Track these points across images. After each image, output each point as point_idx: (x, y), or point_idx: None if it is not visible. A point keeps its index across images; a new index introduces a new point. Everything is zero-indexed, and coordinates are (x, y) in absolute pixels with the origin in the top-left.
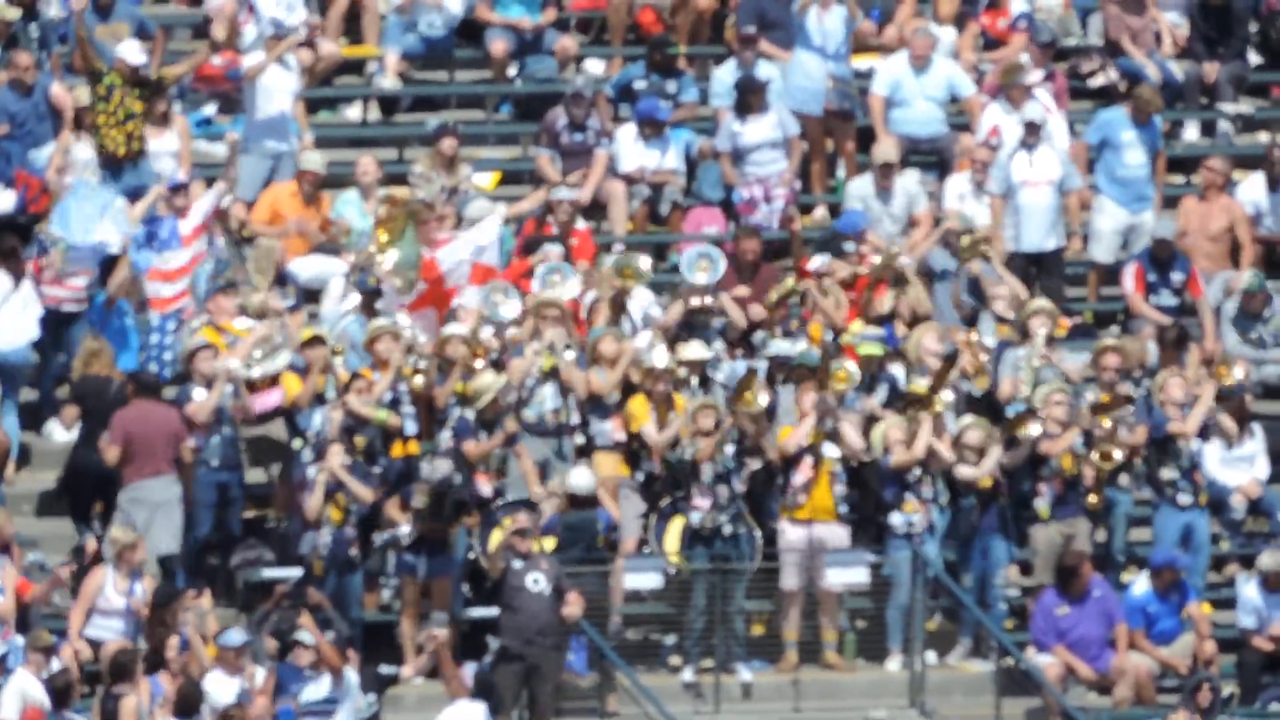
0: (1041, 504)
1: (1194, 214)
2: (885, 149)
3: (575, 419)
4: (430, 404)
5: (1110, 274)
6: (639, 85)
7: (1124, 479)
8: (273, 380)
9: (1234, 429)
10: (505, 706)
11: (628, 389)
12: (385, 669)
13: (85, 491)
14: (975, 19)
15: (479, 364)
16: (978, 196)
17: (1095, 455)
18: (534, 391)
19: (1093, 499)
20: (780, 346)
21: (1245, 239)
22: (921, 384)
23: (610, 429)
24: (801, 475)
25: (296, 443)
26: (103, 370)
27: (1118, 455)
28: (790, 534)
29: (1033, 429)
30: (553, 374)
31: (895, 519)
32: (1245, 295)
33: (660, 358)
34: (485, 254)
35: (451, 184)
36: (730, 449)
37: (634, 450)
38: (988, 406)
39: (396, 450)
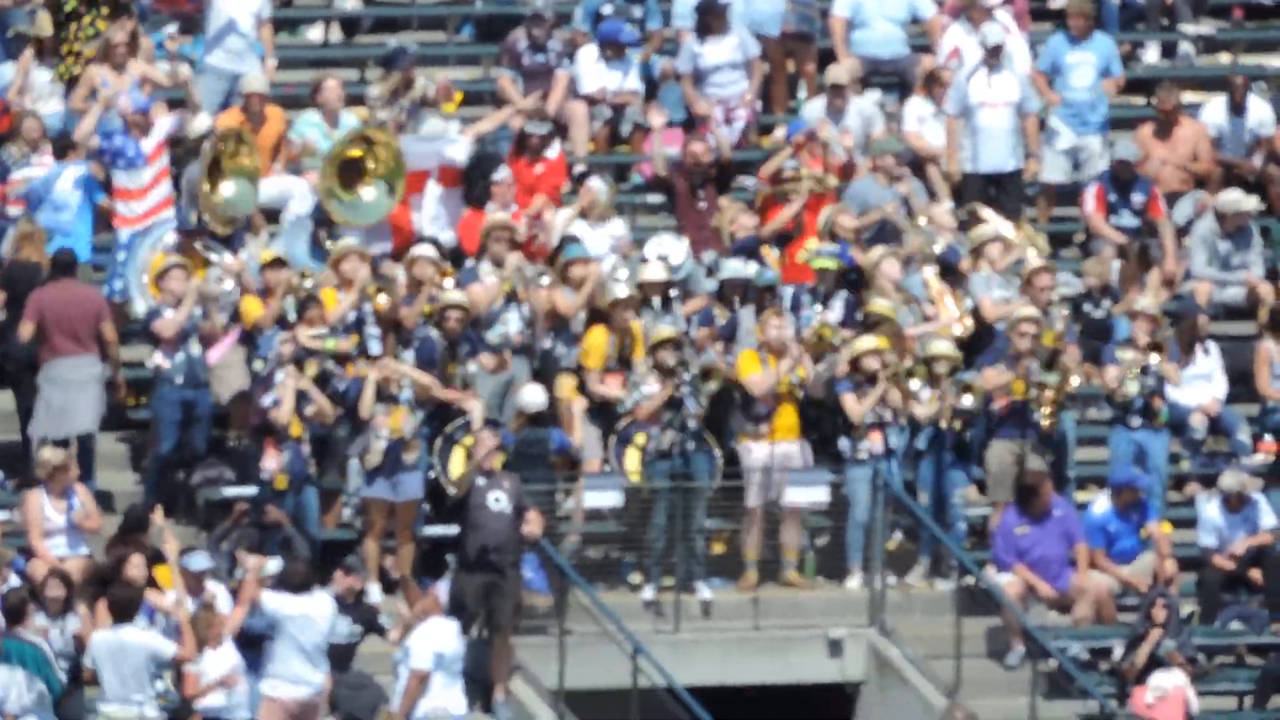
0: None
1: (1154, 140)
2: (836, 70)
3: (542, 340)
4: (397, 324)
5: (1066, 195)
6: (605, 10)
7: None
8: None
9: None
10: (466, 623)
11: (592, 313)
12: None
13: (11, 375)
14: None
15: (447, 283)
16: (938, 118)
17: (1054, 378)
18: (498, 314)
19: (1046, 420)
20: (734, 267)
21: (1208, 167)
22: (882, 304)
23: (576, 352)
24: (764, 404)
25: (257, 364)
26: (34, 255)
27: (1075, 381)
28: (753, 452)
29: (969, 399)
30: (514, 295)
31: (849, 444)
32: (1232, 215)
33: (623, 288)
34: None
35: (410, 101)
36: (688, 374)
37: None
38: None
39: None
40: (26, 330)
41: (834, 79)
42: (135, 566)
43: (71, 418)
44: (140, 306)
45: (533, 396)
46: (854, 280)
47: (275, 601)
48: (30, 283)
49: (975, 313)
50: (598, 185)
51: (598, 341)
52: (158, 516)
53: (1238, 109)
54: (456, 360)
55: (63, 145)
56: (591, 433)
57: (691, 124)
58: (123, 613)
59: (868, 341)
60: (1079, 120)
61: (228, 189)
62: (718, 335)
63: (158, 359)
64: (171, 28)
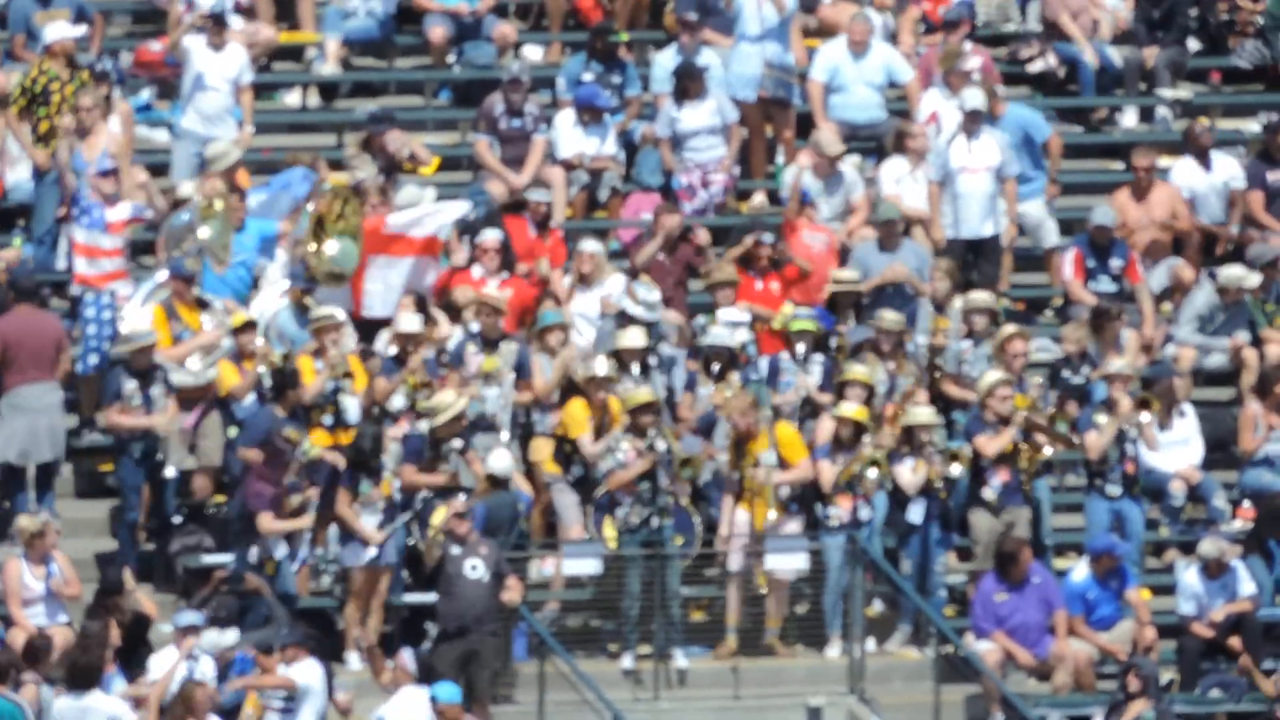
0: (990, 494)
1: (1130, 203)
2: (828, 139)
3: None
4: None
5: (1038, 261)
6: (586, 77)
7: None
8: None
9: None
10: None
11: (569, 386)
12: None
13: None
14: (915, 3)
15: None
16: (914, 179)
17: (1027, 446)
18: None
19: (1025, 486)
20: (718, 335)
21: (1187, 227)
22: (859, 370)
23: (551, 420)
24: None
25: (232, 431)
26: None
27: (1047, 451)
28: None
29: (957, 467)
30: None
31: (825, 511)
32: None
33: (601, 365)
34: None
35: (385, 165)
36: (663, 445)
37: (566, 453)
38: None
39: (336, 439)
40: None
41: (825, 148)
42: (112, 631)
43: (35, 445)
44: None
45: (500, 462)
46: (829, 345)
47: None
48: None
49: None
50: (595, 246)
51: (579, 413)
52: (129, 580)
53: (1205, 163)
54: (442, 456)
55: None
56: (570, 499)
57: (669, 189)
58: (86, 679)
59: (847, 408)
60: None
61: (331, 247)
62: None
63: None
64: (148, 93)
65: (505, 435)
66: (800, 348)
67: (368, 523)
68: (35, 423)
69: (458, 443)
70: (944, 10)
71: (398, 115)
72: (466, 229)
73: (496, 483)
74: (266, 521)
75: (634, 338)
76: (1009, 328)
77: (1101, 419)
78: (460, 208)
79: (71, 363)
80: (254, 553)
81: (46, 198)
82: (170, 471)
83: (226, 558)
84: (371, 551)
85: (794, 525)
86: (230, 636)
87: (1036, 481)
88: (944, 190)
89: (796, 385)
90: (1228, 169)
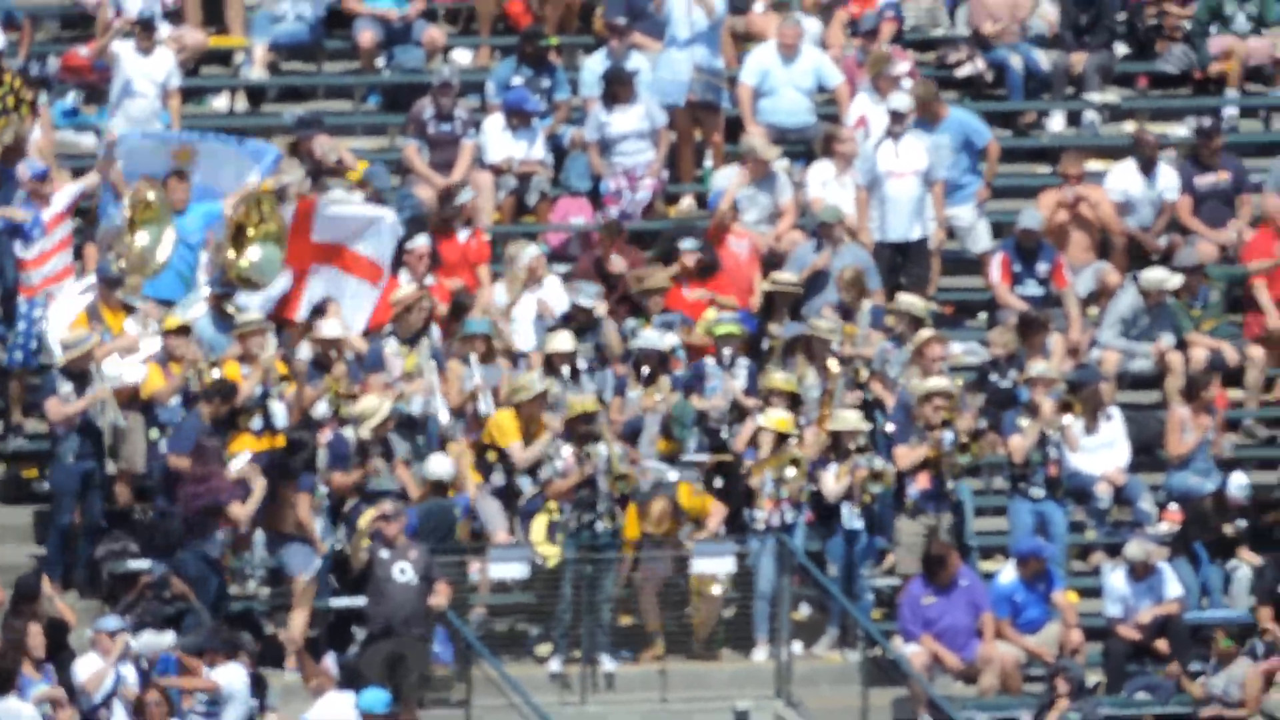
0: (910, 500)
1: (1057, 205)
2: (760, 144)
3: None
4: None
5: (968, 265)
6: (515, 81)
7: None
8: None
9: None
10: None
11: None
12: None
13: None
14: (844, 6)
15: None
16: (840, 182)
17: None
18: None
19: (944, 489)
20: (649, 338)
21: (1114, 231)
22: (781, 379)
23: (463, 427)
24: None
25: (153, 433)
26: None
27: (963, 460)
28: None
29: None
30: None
31: (751, 514)
32: (1155, 292)
33: (538, 383)
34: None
35: (313, 170)
36: (604, 452)
37: (489, 461)
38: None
39: (264, 443)
40: None
41: (760, 153)
42: (34, 636)
43: None
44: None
45: (439, 466)
46: (758, 349)
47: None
48: None
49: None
50: (533, 249)
51: (508, 423)
52: (47, 585)
53: (1148, 171)
54: (368, 458)
55: None
56: (493, 505)
57: (598, 193)
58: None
59: (773, 416)
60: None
61: (254, 253)
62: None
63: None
64: (75, 97)
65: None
66: (726, 352)
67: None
68: None
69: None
70: (869, 13)
71: (327, 120)
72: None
73: (436, 487)
74: (238, 509)
75: (563, 341)
76: (926, 332)
77: (1024, 422)
78: (395, 227)
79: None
80: (215, 547)
81: None
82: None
83: (152, 563)
84: (318, 560)
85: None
86: (168, 638)
87: (959, 484)
88: (871, 194)
89: (722, 390)
90: (1168, 179)
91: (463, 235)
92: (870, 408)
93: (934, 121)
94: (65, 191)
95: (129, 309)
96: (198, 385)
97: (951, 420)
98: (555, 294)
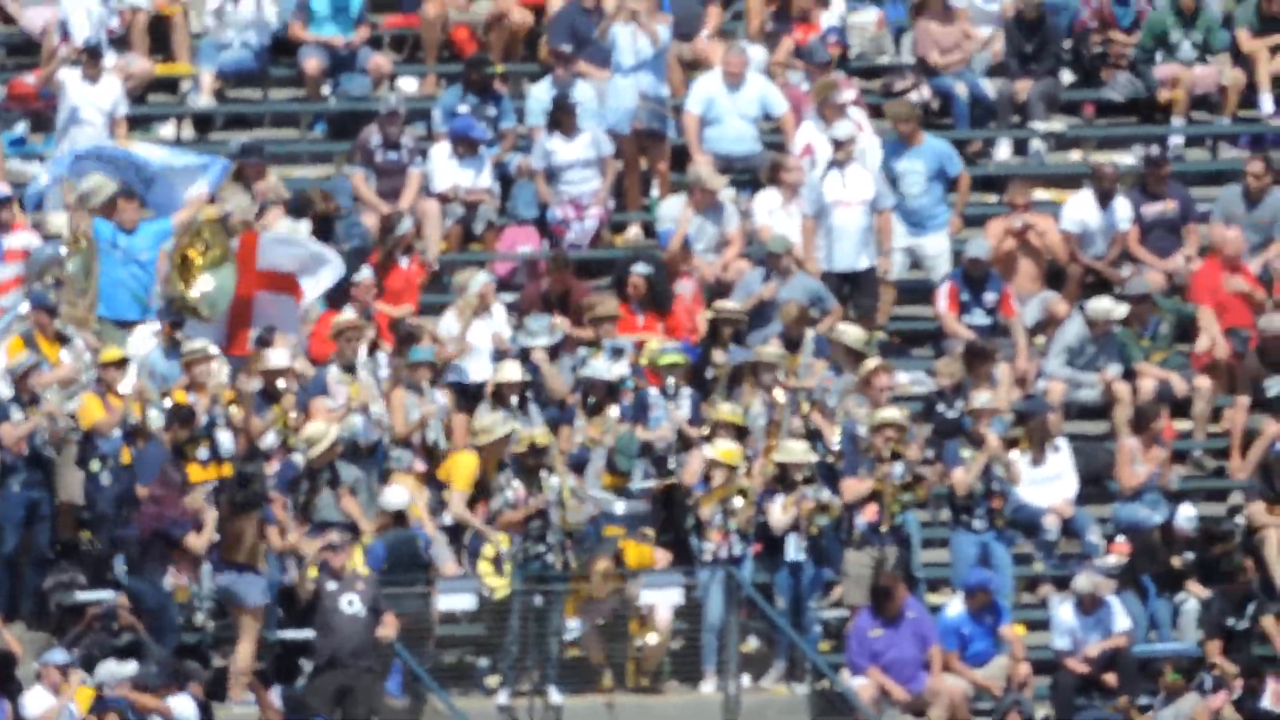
0: (857, 532)
1: (1005, 234)
2: (706, 173)
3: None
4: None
5: (916, 293)
6: (462, 109)
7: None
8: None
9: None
10: None
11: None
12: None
13: None
14: (788, 34)
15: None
16: (787, 212)
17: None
18: (345, 419)
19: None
20: (596, 368)
21: (1062, 260)
22: (727, 410)
23: (411, 456)
24: None
25: (94, 465)
26: None
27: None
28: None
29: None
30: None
31: (699, 546)
32: (1101, 322)
33: (501, 426)
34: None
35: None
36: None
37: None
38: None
39: (211, 473)
40: None
41: (706, 182)
42: None
43: None
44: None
45: (395, 496)
46: (701, 378)
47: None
48: None
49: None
50: (483, 277)
51: (466, 466)
52: None
53: (1105, 202)
54: (316, 487)
55: None
56: (440, 537)
57: (545, 221)
58: None
59: (720, 448)
60: (913, 223)
61: (204, 283)
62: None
63: None
64: (22, 126)
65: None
66: (670, 381)
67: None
68: None
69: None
70: (814, 40)
71: (273, 148)
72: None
73: (395, 518)
74: (194, 540)
75: (511, 371)
76: (872, 361)
77: (967, 454)
78: (337, 268)
79: None
80: (167, 580)
81: None
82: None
83: (101, 594)
84: (265, 593)
85: (661, 555)
86: (129, 668)
87: (906, 516)
88: (818, 223)
89: (667, 420)
90: (1123, 210)
91: (404, 263)
92: (812, 438)
93: (909, 144)
94: (21, 235)
95: (64, 339)
96: (138, 419)
97: (900, 452)
98: (502, 323)
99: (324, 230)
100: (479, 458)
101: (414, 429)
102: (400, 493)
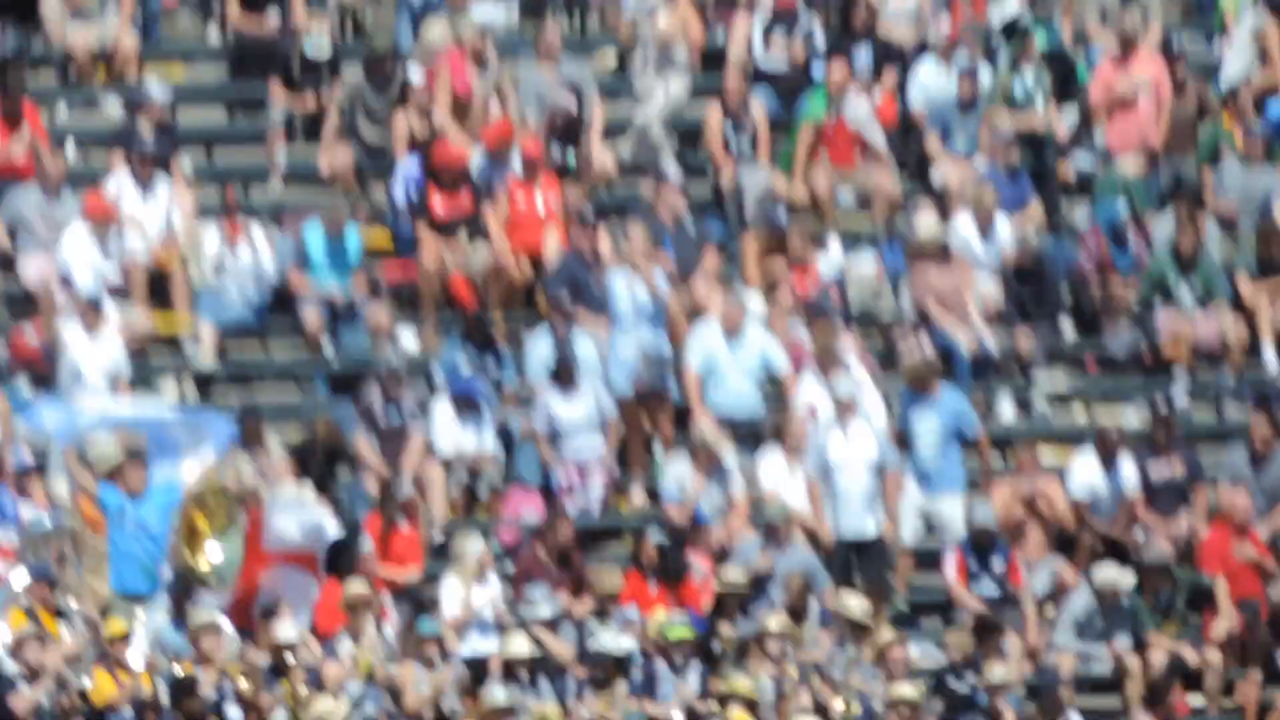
0: None
1: (1012, 498)
2: (708, 431)
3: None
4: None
5: (926, 560)
6: (463, 368)
7: None
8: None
9: None
10: None
11: None
12: None
13: None
14: (786, 282)
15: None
16: (793, 474)
17: None
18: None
19: None
20: (604, 641)
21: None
22: (743, 683)
23: None
24: None
25: None
26: None
27: None
28: None
29: None
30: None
31: None
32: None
33: (501, 695)
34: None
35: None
36: None
37: None
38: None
39: None
40: None
41: (711, 445)
42: None
43: None
44: None
45: None
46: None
47: None
48: None
49: None
50: (478, 545)
51: None
52: None
53: (1108, 465)
54: None
55: None
56: None
57: (549, 487)
58: None
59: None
60: (927, 482)
61: (213, 553)
62: None
63: None
64: (26, 387)
65: None
66: (678, 657)
67: None
68: None
69: None
70: (814, 291)
71: (276, 405)
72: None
73: None
74: None
75: (520, 646)
76: (887, 634)
77: None
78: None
79: None
80: None
81: None
82: None
83: None
84: None
85: None
86: None
87: None
88: (824, 487)
89: (675, 695)
90: (1129, 473)
91: (404, 527)
92: (820, 712)
93: (927, 396)
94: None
95: (61, 614)
96: (149, 693)
97: None
98: (495, 592)
99: (330, 464)
100: None
101: (426, 703)
102: None
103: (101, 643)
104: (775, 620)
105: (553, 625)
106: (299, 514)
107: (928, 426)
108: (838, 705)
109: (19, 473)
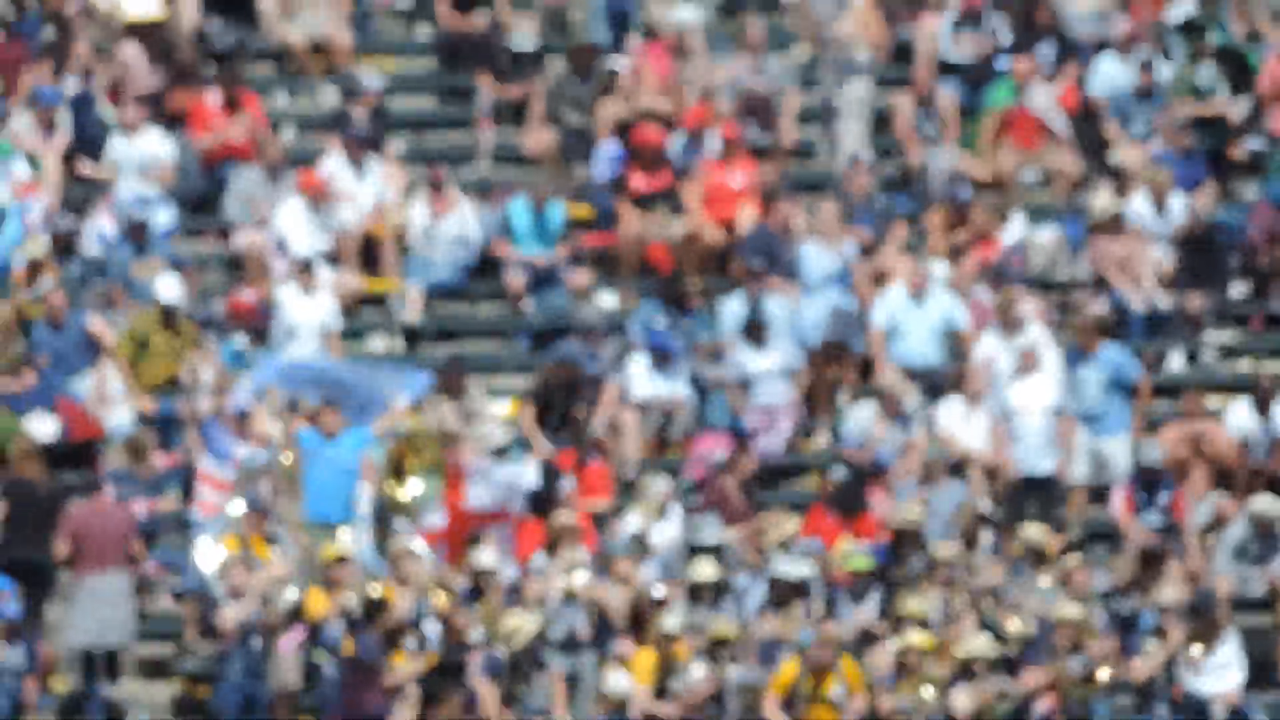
0: None
1: (1178, 440)
2: (893, 379)
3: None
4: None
5: (1095, 495)
6: (658, 323)
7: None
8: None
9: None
10: None
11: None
12: None
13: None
14: (973, 249)
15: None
16: (969, 419)
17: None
18: (558, 611)
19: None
20: (785, 569)
21: (1230, 465)
22: (916, 606)
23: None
24: None
25: (318, 655)
26: (31, 473)
27: (1103, 676)
28: None
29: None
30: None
31: None
32: (1264, 522)
33: (673, 622)
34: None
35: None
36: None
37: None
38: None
39: (419, 663)
40: (62, 549)
41: (897, 393)
42: None
43: (103, 633)
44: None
45: (616, 683)
46: (889, 579)
47: None
48: (30, 498)
49: None
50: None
51: (646, 661)
52: None
53: (1264, 410)
54: (520, 678)
55: None
56: None
57: (739, 429)
58: None
59: (912, 637)
60: (1094, 427)
61: (414, 486)
62: None
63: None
64: (241, 339)
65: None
66: (859, 585)
67: None
68: (104, 610)
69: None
70: (997, 256)
71: (478, 358)
72: None
73: (617, 706)
74: None
75: (706, 570)
76: (1072, 559)
77: (1151, 646)
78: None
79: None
80: None
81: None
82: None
83: None
84: None
85: None
86: None
87: (1095, 705)
88: (1003, 429)
89: (854, 618)
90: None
91: (597, 462)
92: (992, 630)
93: (1089, 351)
94: (252, 451)
95: (273, 540)
96: (358, 607)
97: (1080, 646)
98: (676, 525)
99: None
100: (654, 652)
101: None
102: (619, 679)
103: (315, 564)
104: (945, 548)
105: (718, 552)
106: (489, 481)
107: (1092, 378)
108: (1012, 626)
109: (238, 416)
